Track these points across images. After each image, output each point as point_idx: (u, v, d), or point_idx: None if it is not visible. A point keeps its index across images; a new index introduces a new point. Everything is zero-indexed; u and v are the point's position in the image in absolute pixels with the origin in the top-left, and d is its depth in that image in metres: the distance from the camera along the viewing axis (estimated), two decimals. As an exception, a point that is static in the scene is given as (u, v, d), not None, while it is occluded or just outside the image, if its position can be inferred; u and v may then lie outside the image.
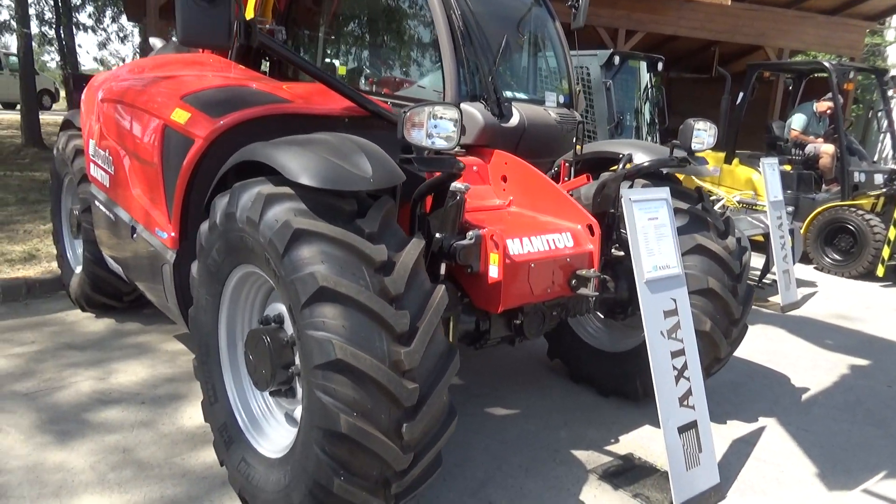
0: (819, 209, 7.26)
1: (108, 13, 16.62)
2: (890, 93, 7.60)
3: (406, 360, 1.97)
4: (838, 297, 6.25)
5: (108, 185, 3.60)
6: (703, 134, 3.19)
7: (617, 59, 6.81)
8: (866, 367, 4.47)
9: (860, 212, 6.95)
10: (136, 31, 16.49)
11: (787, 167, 7.69)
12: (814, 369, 4.36)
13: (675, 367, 2.71)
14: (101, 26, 16.52)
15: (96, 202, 3.81)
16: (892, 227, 6.61)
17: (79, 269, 4.60)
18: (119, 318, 4.44)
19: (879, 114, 7.67)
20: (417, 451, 2.08)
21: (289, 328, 2.36)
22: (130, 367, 3.70)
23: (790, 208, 6.58)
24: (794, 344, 4.84)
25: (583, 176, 3.42)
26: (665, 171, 3.52)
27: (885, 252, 6.65)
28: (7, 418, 3.08)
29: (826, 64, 7.39)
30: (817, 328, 5.25)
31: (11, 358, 3.74)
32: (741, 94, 8.12)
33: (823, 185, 7.86)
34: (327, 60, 4.58)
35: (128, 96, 3.34)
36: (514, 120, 3.61)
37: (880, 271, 6.70)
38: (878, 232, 6.76)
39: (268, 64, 4.59)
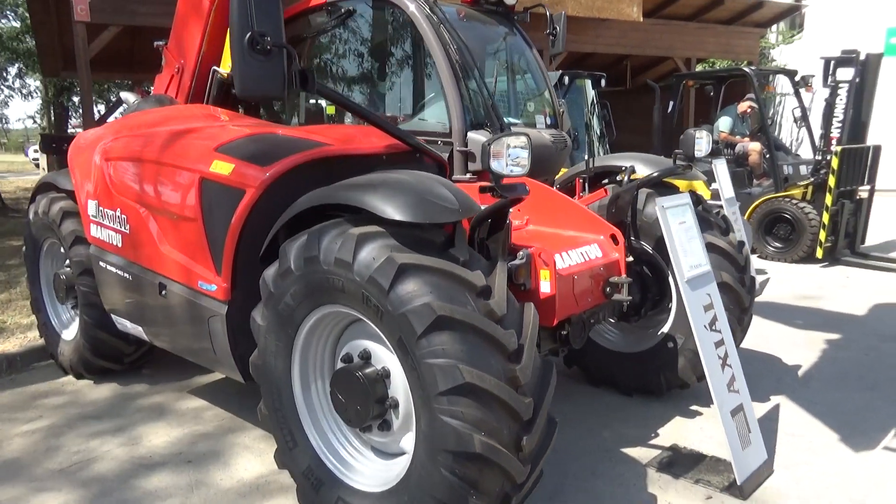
0: (756, 202, 7.87)
1: (12, 70, 15.79)
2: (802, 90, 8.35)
3: (520, 375, 2.09)
4: (791, 281, 6.78)
5: (120, 245, 3.51)
6: (702, 142, 3.48)
7: (567, 79, 7.18)
8: (840, 340, 4.90)
9: (794, 201, 7.59)
10: (41, 87, 15.67)
11: (721, 166, 8.27)
12: (795, 347, 4.74)
13: (719, 357, 2.93)
14: (5, 83, 15.66)
15: (102, 263, 3.69)
16: (824, 213, 7.25)
17: (68, 336, 4.42)
18: (121, 381, 4.28)
19: (794, 110, 8.40)
20: (532, 463, 2.19)
21: (378, 363, 2.41)
22: (157, 429, 3.59)
23: (733, 204, 7.10)
24: (770, 327, 5.24)
25: (601, 189, 3.63)
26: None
27: (822, 235, 7.29)
28: (55, 498, 2.93)
29: (746, 70, 8.06)
30: (784, 311, 5.69)
31: (26, 436, 3.55)
32: (671, 104, 8.71)
33: (755, 181, 8.52)
34: (312, 101, 4.65)
35: (146, 153, 3.29)
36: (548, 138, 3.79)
37: (819, 253, 7.33)
38: (812, 218, 7.40)
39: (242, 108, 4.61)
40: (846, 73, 7.32)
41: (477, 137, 3.64)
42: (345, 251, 2.23)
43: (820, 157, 7.61)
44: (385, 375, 2.39)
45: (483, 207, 2.66)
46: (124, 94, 4.91)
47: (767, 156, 8.31)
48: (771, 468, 3.02)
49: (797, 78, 8.40)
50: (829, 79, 7.40)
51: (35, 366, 4.72)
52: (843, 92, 7.35)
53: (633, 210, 3.57)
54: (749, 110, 8.72)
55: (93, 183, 3.71)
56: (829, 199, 7.21)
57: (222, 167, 2.83)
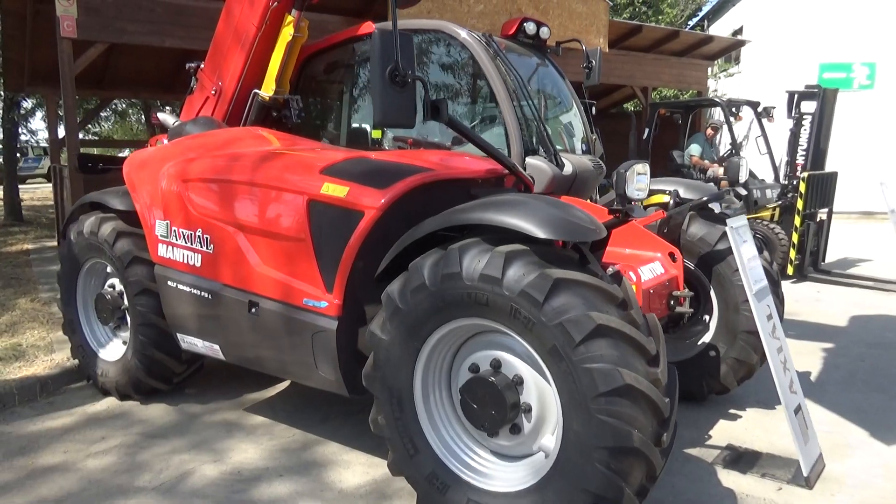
0: (729, 223, 8.44)
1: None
2: (764, 120, 9.06)
3: (661, 377, 2.34)
4: (769, 296, 7.32)
5: (199, 265, 3.58)
6: (743, 168, 3.86)
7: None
8: (834, 349, 5.39)
9: (764, 222, 8.20)
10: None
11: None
12: (798, 355, 5.15)
13: (781, 362, 3.27)
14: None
15: (171, 283, 3.74)
16: (794, 233, 7.88)
17: (110, 357, 4.39)
18: (169, 401, 4.28)
19: (757, 138, 9.08)
20: (665, 457, 2.43)
21: (510, 371, 2.61)
22: (233, 445, 3.64)
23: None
24: (768, 338, 5.68)
25: (659, 211, 3.95)
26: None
27: (792, 254, 7.90)
28: (162, 513, 2.97)
29: (717, 100, 8.69)
30: (774, 323, 6.17)
31: (98, 456, 3.54)
32: (647, 130, 9.27)
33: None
34: (355, 125, 4.82)
35: (236, 175, 3.39)
36: (569, 169, 4.09)
37: (790, 270, 7.94)
38: (782, 238, 8.01)
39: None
40: (809, 106, 8.01)
41: (537, 163, 3.93)
42: (492, 268, 2.43)
43: (786, 182, 8.27)
44: (518, 382, 2.59)
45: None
46: (163, 116, 4.93)
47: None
48: (823, 462, 3.37)
49: (760, 109, 9.11)
50: (794, 110, 8.08)
51: (67, 388, 4.65)
52: (806, 122, 8.04)
53: (684, 231, 3.91)
54: (712, 132, 9.44)
55: (163, 203, 3.76)
56: (797, 221, 7.84)
57: (335, 189, 2.98)
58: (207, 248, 3.52)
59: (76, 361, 4.66)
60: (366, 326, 2.95)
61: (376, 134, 4.61)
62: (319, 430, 3.80)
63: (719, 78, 19.17)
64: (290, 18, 4.57)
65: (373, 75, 2.60)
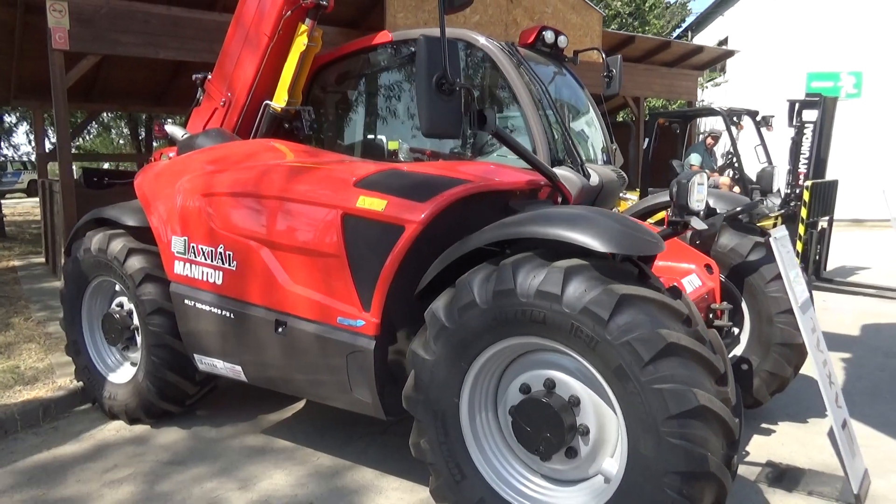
0: (732, 233, 8.43)
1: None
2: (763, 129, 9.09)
3: (731, 396, 2.24)
4: (777, 305, 7.29)
5: (220, 283, 3.43)
6: (777, 177, 3.80)
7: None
8: (853, 359, 5.34)
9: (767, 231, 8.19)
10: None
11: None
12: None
13: (826, 375, 3.19)
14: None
15: (189, 302, 3.58)
16: (798, 242, 7.87)
17: (118, 379, 4.21)
18: (181, 424, 4.10)
19: (756, 147, 9.10)
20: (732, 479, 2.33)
21: (564, 392, 2.49)
22: (258, 471, 3.47)
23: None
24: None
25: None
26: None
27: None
28: (191, 547, 2.80)
29: (718, 109, 8.70)
30: (787, 333, 6.12)
31: (114, 486, 3.35)
32: (647, 140, 9.25)
33: (725, 212, 9.13)
34: (370, 136, 4.70)
35: (262, 189, 3.25)
36: (595, 179, 4.01)
37: (795, 279, 7.92)
38: (786, 247, 8.01)
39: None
40: (810, 115, 8.03)
41: (565, 174, 3.83)
42: (550, 284, 2.32)
43: (789, 191, 8.26)
44: (574, 403, 2.48)
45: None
46: (170, 128, 4.78)
47: (735, 189, 8.95)
48: (869, 477, 3.29)
49: (758, 118, 9.13)
50: (795, 119, 8.09)
51: (70, 412, 4.45)
52: (807, 131, 8.05)
53: (716, 242, 3.83)
54: (712, 141, 9.47)
55: (181, 218, 3.60)
56: (801, 230, 7.83)
57: (372, 203, 2.86)
58: (230, 265, 3.37)
59: (80, 384, 4.48)
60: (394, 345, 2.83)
61: (393, 145, 4.50)
62: (345, 454, 3.64)
63: (706, 87, 19.33)
64: (303, 28, 4.46)
65: (419, 83, 2.50)
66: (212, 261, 3.45)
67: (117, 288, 4.19)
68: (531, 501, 2.60)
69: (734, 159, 8.89)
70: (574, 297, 2.28)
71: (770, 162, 9.04)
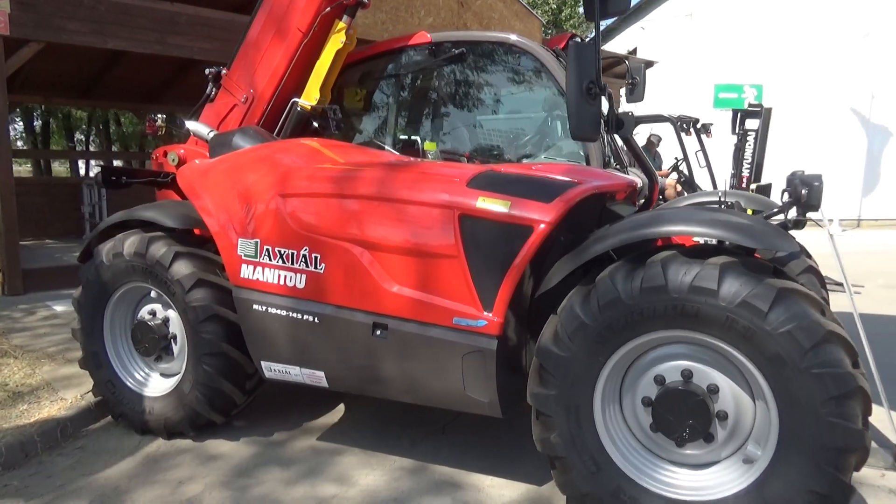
0: (681, 232, 9.04)
1: None
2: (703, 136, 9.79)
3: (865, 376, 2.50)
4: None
5: (302, 286, 3.32)
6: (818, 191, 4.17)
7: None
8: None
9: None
10: None
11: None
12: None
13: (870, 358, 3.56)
14: None
15: (259, 307, 3.44)
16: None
17: (153, 392, 3.96)
18: (225, 436, 3.90)
19: (697, 153, 9.78)
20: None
21: (703, 380, 2.65)
22: (348, 471, 3.38)
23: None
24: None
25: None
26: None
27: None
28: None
29: (668, 116, 9.27)
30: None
31: (196, 502, 3.16)
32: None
33: (671, 212, 9.76)
34: (403, 137, 4.68)
35: (360, 189, 3.19)
36: (638, 182, 4.22)
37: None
38: (732, 244, 8.69)
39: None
40: (752, 123, 8.76)
41: (635, 178, 4.00)
42: (706, 280, 2.48)
43: (733, 193, 8.97)
44: (713, 391, 2.65)
45: None
46: (193, 125, 4.52)
47: (679, 190, 9.59)
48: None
49: (699, 125, 9.82)
50: (739, 127, 8.80)
51: (86, 430, 4.12)
52: (749, 138, 8.79)
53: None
54: (654, 142, 10.16)
55: (254, 220, 3.45)
56: (747, 228, 8.51)
57: (494, 203, 2.89)
58: (317, 267, 3.27)
59: (94, 399, 4.17)
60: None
61: (430, 146, 4.50)
62: (418, 454, 3.62)
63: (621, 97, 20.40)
64: (341, 25, 4.38)
65: (569, 87, 2.57)
66: (292, 263, 3.33)
67: (153, 294, 3.92)
68: (669, 487, 2.73)
69: (680, 163, 9.52)
70: (731, 291, 2.45)
71: (709, 166, 9.76)
